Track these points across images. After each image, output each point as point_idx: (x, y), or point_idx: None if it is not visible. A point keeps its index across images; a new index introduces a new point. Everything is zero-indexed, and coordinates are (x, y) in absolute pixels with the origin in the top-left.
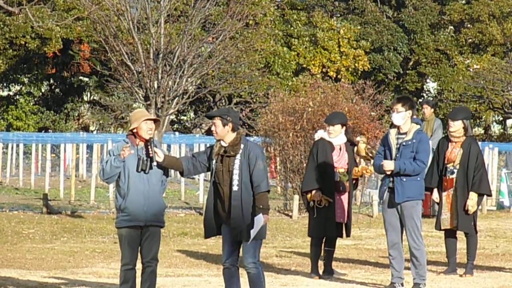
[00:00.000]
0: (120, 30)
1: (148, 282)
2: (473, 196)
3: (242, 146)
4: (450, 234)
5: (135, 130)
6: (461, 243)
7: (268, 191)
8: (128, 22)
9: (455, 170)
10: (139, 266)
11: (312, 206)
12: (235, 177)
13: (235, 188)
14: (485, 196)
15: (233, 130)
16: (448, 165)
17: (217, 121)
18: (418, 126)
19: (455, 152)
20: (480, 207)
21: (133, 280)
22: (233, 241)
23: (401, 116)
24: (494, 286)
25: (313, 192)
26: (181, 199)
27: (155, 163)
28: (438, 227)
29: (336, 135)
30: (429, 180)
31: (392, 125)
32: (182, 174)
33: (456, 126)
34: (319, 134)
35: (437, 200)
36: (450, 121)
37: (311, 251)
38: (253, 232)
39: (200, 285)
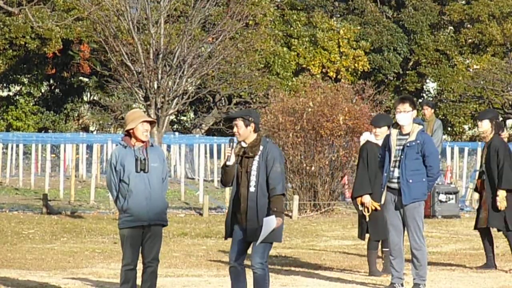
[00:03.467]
0: (120, 30)
1: (149, 283)
2: (499, 193)
3: (261, 147)
4: (485, 233)
5: (131, 131)
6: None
7: (284, 194)
8: (128, 23)
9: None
10: (139, 266)
11: (361, 210)
12: (253, 178)
13: (252, 189)
14: None
15: (255, 131)
16: (480, 167)
17: (239, 122)
18: (421, 127)
19: (484, 152)
20: None
21: (133, 280)
22: (243, 242)
23: (410, 116)
24: (494, 286)
25: (363, 196)
26: (181, 199)
27: (230, 162)
28: (475, 226)
29: (382, 137)
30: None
31: (394, 126)
32: (226, 184)
33: (484, 126)
34: (365, 136)
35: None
36: (478, 121)
37: (368, 254)
38: (262, 235)
39: (200, 285)
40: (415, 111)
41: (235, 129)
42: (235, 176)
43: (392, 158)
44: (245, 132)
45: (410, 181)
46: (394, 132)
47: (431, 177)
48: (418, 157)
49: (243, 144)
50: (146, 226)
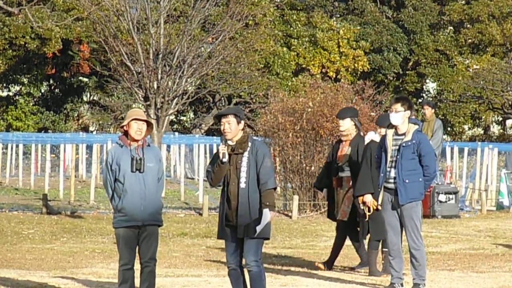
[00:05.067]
0: (120, 30)
1: (147, 282)
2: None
3: (249, 144)
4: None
5: (126, 128)
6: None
7: (275, 189)
8: (127, 23)
9: (345, 168)
10: (138, 266)
11: (363, 210)
12: (243, 175)
13: (242, 185)
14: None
15: (243, 128)
16: (338, 164)
17: (232, 119)
18: (417, 126)
19: (345, 151)
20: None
21: (132, 280)
22: (237, 241)
23: (400, 116)
24: (494, 286)
25: (365, 195)
26: (180, 199)
27: (225, 159)
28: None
29: None
30: (319, 180)
31: (390, 126)
32: (216, 183)
33: (345, 125)
34: (370, 136)
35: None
36: (339, 120)
37: (369, 254)
38: (259, 227)
39: (199, 286)
40: (408, 112)
41: (226, 126)
42: (224, 175)
43: (389, 159)
44: (236, 129)
45: (407, 181)
46: (390, 132)
47: (427, 177)
48: (414, 157)
49: (230, 143)
50: (141, 226)
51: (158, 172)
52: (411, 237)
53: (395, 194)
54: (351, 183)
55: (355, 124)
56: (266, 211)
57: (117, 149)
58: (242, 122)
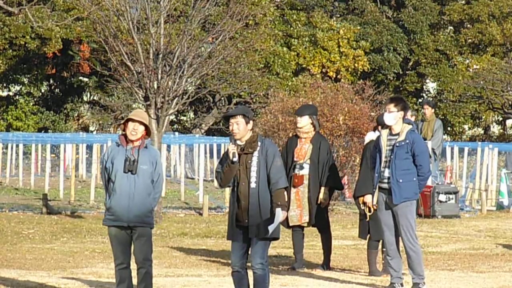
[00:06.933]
0: (120, 30)
1: (144, 283)
2: (326, 191)
3: (259, 143)
4: (298, 231)
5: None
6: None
7: (286, 188)
8: (127, 23)
9: (305, 166)
10: (133, 266)
11: (363, 210)
12: (253, 174)
13: (252, 185)
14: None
15: (251, 128)
16: (297, 162)
17: (241, 119)
18: (410, 126)
19: (305, 148)
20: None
21: (129, 280)
22: (245, 243)
23: (393, 116)
24: (494, 286)
25: (366, 196)
26: (180, 199)
27: (236, 159)
28: (285, 224)
29: None
30: None
31: (384, 126)
32: (226, 184)
33: (303, 122)
34: (370, 136)
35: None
36: (297, 117)
37: (368, 254)
38: (271, 227)
39: (199, 286)
40: (401, 112)
41: (234, 127)
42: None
43: (383, 159)
44: (245, 130)
45: (400, 180)
46: (384, 132)
47: (422, 176)
48: (408, 156)
49: (239, 143)
50: (131, 227)
51: (153, 174)
52: (407, 236)
53: (389, 194)
54: (308, 181)
55: (312, 122)
56: (278, 210)
57: (113, 148)
58: (251, 122)
